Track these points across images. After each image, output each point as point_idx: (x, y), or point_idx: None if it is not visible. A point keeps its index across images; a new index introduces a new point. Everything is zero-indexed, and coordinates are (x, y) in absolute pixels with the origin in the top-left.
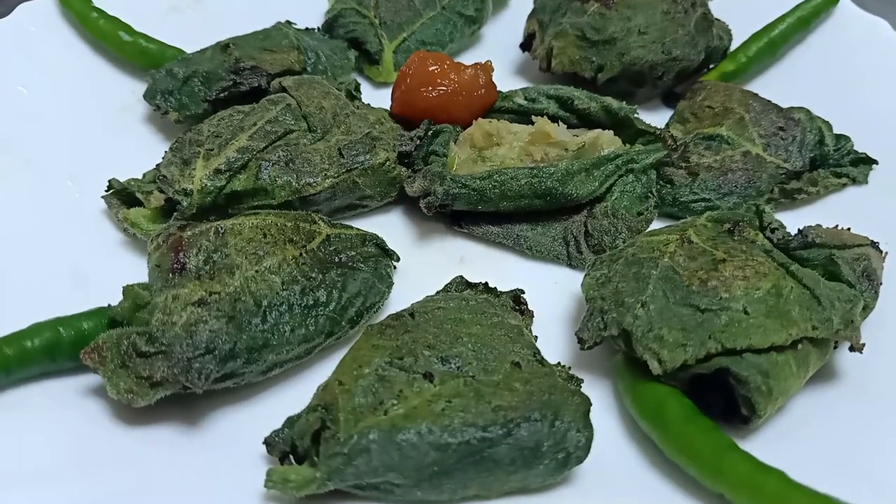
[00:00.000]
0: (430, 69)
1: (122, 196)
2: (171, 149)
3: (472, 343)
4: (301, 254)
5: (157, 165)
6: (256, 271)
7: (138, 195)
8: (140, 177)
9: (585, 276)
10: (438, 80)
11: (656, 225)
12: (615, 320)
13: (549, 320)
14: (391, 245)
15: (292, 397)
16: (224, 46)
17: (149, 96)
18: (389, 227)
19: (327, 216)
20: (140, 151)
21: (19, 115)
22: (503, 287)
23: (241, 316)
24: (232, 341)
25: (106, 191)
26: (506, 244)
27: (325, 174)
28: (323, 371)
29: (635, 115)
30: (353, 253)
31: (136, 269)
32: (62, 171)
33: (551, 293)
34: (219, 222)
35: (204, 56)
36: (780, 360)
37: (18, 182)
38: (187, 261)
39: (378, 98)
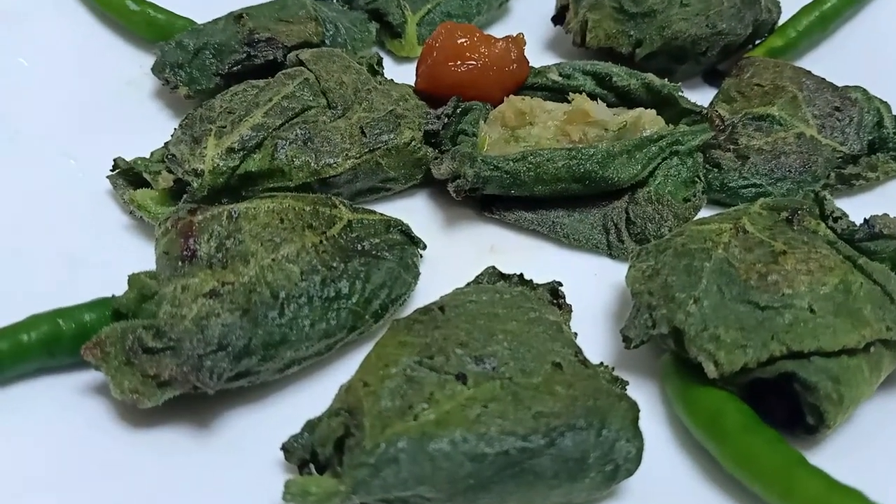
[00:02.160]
0: (459, 42)
1: (128, 176)
2: (180, 126)
3: (508, 341)
4: (321, 241)
5: (165, 144)
6: (273, 260)
7: (146, 175)
8: (148, 156)
9: (630, 267)
10: (467, 54)
11: (703, 213)
12: (665, 317)
13: (588, 315)
14: (417, 232)
15: (312, 398)
16: (237, 17)
17: (157, 70)
18: (415, 211)
19: (348, 199)
20: (147, 129)
21: (19, 89)
22: (538, 278)
23: (257, 309)
24: (247, 336)
25: (111, 170)
26: (540, 232)
27: (346, 154)
28: (345, 369)
29: (679, 94)
30: (377, 240)
31: (143, 256)
32: (64, 150)
33: (591, 285)
34: (232, 205)
35: (216, 27)
36: (851, 365)
37: (17, 161)
38: (198, 247)
39: (401, 74)
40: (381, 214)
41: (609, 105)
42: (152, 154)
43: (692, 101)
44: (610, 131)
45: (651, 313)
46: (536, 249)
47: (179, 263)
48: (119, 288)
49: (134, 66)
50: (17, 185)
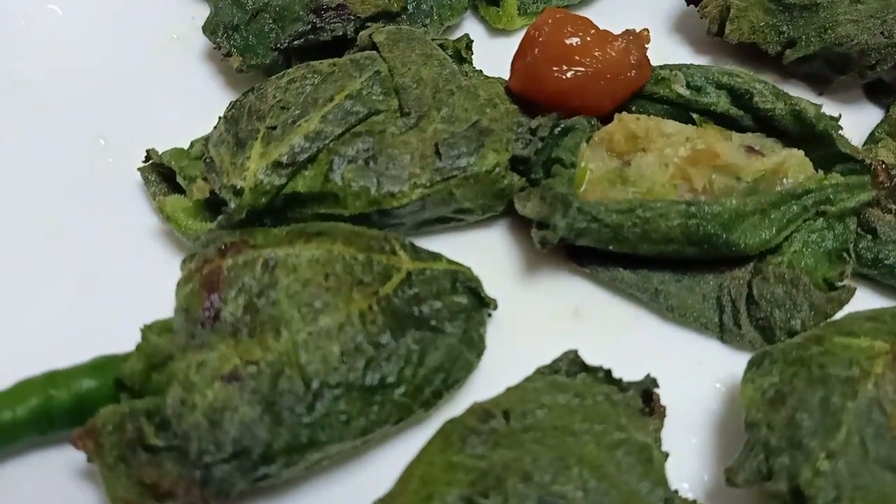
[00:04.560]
0: (567, 41)
1: (162, 170)
2: (224, 117)
3: (582, 476)
4: (370, 306)
5: (205, 140)
6: (309, 334)
7: (179, 180)
8: (188, 145)
9: (747, 379)
10: (577, 58)
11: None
12: (786, 469)
13: (685, 420)
14: (488, 276)
15: (338, 492)
16: None
17: (208, 30)
18: (488, 249)
19: (412, 229)
20: (194, 99)
21: (47, 45)
22: (630, 355)
23: (283, 401)
24: (267, 439)
25: (143, 161)
26: (639, 297)
27: (415, 182)
28: (379, 458)
29: (839, 133)
30: (439, 305)
31: (172, 268)
32: (93, 125)
33: (693, 377)
34: (269, 251)
35: None
36: None
37: (35, 137)
38: (223, 306)
39: (495, 50)
40: (448, 262)
41: (743, 128)
42: (192, 146)
43: (848, 138)
44: (743, 181)
45: (768, 458)
46: (631, 319)
47: (199, 328)
48: (139, 312)
49: (184, 17)
50: (35, 171)
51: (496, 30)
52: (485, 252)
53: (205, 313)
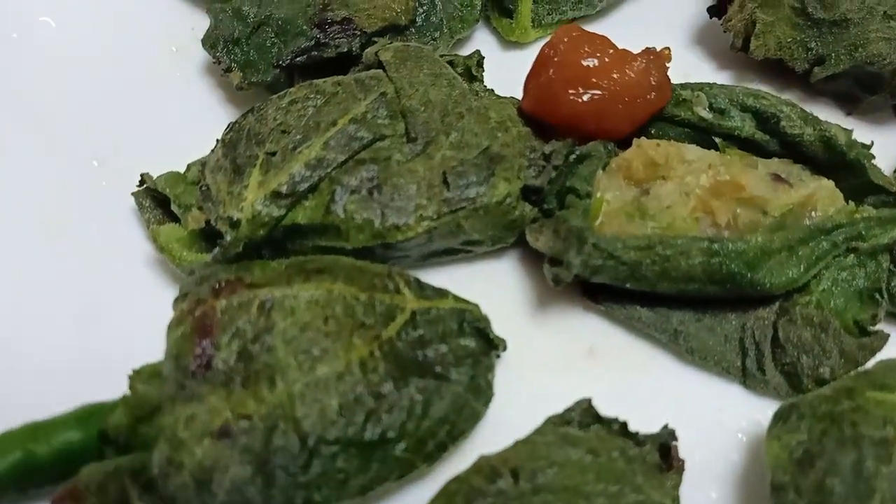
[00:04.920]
0: (584, 62)
1: (157, 195)
2: (222, 140)
3: None
4: (372, 352)
5: (202, 164)
6: (306, 385)
7: (174, 208)
8: (186, 166)
9: (772, 435)
10: (594, 79)
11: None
12: None
13: (703, 469)
14: (497, 312)
15: None
16: None
17: (207, 43)
18: (497, 282)
19: (417, 261)
20: (194, 116)
21: (39, 56)
22: (645, 403)
23: (276, 459)
24: (259, 502)
25: (138, 185)
26: (656, 337)
27: (421, 215)
28: None
29: (871, 162)
30: (445, 349)
31: (168, 299)
32: (87, 145)
33: (713, 424)
34: (266, 291)
35: None
36: None
37: (24, 157)
38: (215, 353)
39: (508, 64)
40: (455, 299)
41: (769, 154)
42: (188, 169)
43: (879, 164)
44: (769, 215)
45: None
46: (648, 360)
47: (189, 377)
48: (132, 349)
49: (184, 27)
50: (23, 194)
51: (509, 42)
52: (494, 285)
53: (195, 361)
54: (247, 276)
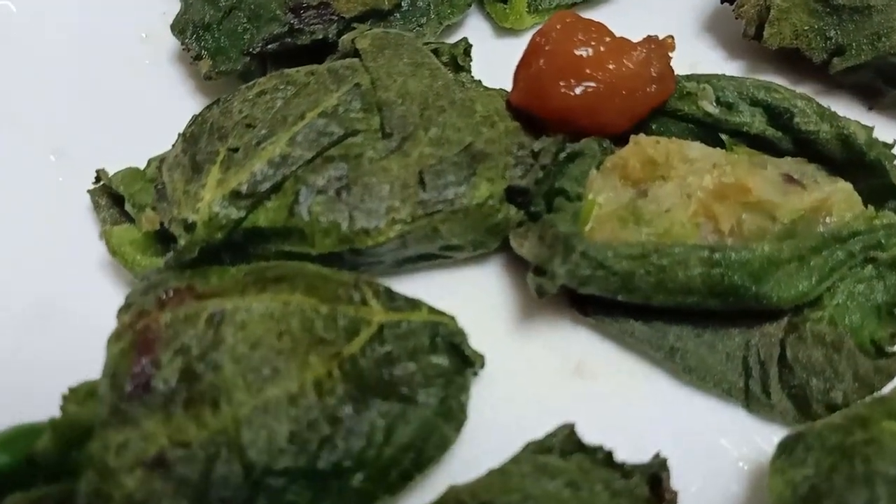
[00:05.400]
0: (577, 52)
1: (114, 193)
2: (183, 135)
3: None
4: (330, 371)
5: (160, 160)
6: (254, 408)
7: (128, 208)
8: (145, 163)
9: (775, 468)
10: (588, 70)
11: None
12: None
13: (699, 500)
14: (478, 322)
15: None
16: None
17: (177, 29)
18: (479, 290)
19: (391, 267)
20: (163, 108)
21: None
22: (637, 427)
23: (216, 491)
24: None
25: (94, 182)
26: (651, 354)
27: (393, 218)
28: None
29: (893, 164)
30: (413, 367)
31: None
32: (46, 138)
33: (712, 451)
34: (216, 302)
35: None
36: None
37: None
38: (155, 372)
39: (502, 51)
40: (429, 310)
41: (782, 152)
42: (149, 164)
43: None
44: (778, 222)
45: None
46: (642, 378)
47: (125, 400)
48: (80, 362)
49: (154, 14)
50: None
51: (504, 29)
52: (475, 294)
53: (133, 381)
54: (199, 285)
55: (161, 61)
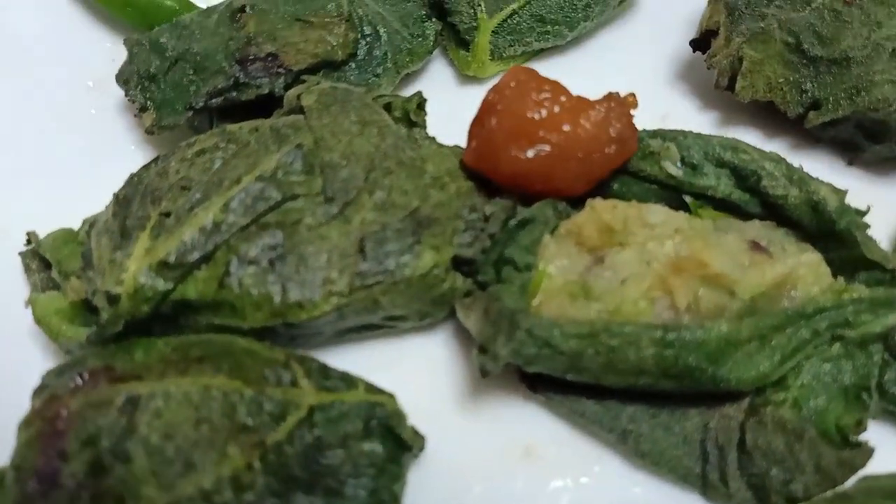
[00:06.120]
0: (530, 114)
1: (45, 259)
2: (116, 196)
3: None
4: (251, 463)
5: (90, 223)
6: None
7: (55, 275)
8: (79, 223)
9: None
10: (541, 133)
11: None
12: None
13: None
14: (419, 396)
15: None
16: (238, 9)
17: (122, 79)
18: (424, 362)
19: (332, 338)
20: (108, 159)
21: None
22: None
23: None
24: None
25: (25, 245)
26: (603, 435)
27: (330, 290)
28: None
29: (865, 234)
30: (343, 455)
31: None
32: None
33: None
34: (133, 386)
35: (208, 22)
36: None
37: None
38: (61, 466)
39: (465, 101)
40: (366, 389)
41: (749, 215)
42: (83, 224)
43: (883, 229)
44: (738, 298)
45: None
46: (594, 461)
47: (30, 499)
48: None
49: (106, 60)
50: None
51: (468, 77)
52: (421, 366)
53: (38, 477)
54: (120, 364)
55: (107, 112)
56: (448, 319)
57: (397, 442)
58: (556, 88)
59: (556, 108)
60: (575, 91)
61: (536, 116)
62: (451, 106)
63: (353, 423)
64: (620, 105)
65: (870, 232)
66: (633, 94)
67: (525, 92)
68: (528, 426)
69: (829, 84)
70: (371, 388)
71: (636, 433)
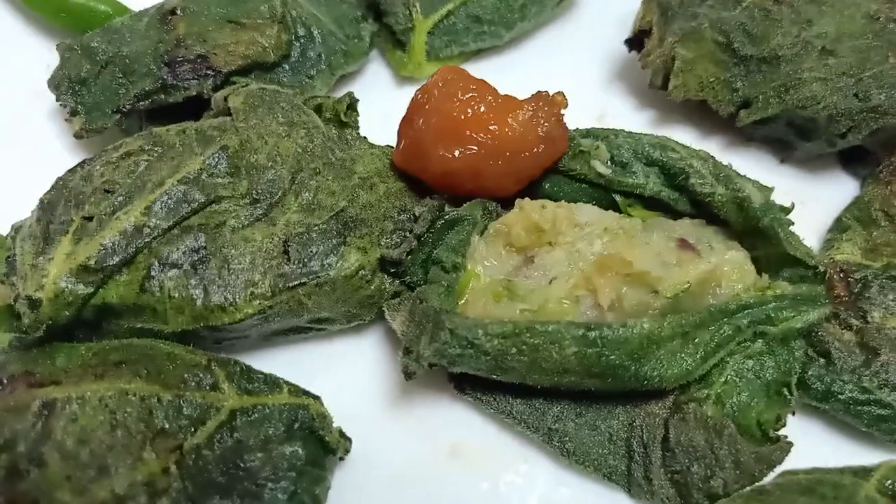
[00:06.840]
0: (457, 113)
1: None
2: (41, 201)
3: None
4: (167, 467)
5: (17, 228)
6: None
7: None
8: (9, 229)
9: None
10: (468, 132)
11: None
12: None
13: None
14: (347, 398)
15: None
16: (167, 13)
17: (53, 84)
18: (353, 363)
19: (259, 341)
20: (44, 166)
21: None
22: None
23: None
24: None
25: None
26: (529, 434)
27: (252, 293)
28: None
29: (788, 231)
30: (263, 458)
31: None
32: None
33: None
34: (49, 391)
35: (139, 25)
36: None
37: None
38: None
39: (403, 101)
40: (290, 391)
41: (679, 213)
42: (12, 228)
43: (809, 225)
44: (661, 295)
45: None
46: (520, 461)
47: None
48: None
49: (42, 68)
50: None
51: (406, 78)
52: (350, 368)
53: None
54: (40, 369)
55: (45, 118)
56: (378, 322)
57: (321, 444)
58: (484, 88)
59: (483, 108)
60: (514, 91)
61: (464, 116)
62: (389, 107)
63: (275, 426)
64: (549, 104)
65: (800, 228)
66: (562, 93)
67: (453, 92)
68: (456, 426)
69: (760, 83)
70: (296, 391)
71: (562, 432)
